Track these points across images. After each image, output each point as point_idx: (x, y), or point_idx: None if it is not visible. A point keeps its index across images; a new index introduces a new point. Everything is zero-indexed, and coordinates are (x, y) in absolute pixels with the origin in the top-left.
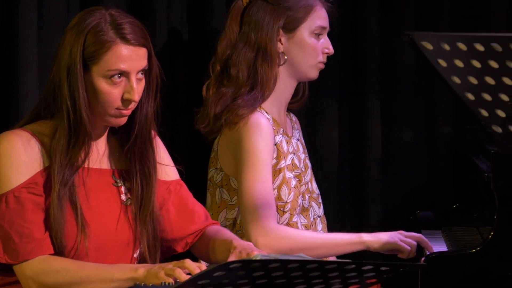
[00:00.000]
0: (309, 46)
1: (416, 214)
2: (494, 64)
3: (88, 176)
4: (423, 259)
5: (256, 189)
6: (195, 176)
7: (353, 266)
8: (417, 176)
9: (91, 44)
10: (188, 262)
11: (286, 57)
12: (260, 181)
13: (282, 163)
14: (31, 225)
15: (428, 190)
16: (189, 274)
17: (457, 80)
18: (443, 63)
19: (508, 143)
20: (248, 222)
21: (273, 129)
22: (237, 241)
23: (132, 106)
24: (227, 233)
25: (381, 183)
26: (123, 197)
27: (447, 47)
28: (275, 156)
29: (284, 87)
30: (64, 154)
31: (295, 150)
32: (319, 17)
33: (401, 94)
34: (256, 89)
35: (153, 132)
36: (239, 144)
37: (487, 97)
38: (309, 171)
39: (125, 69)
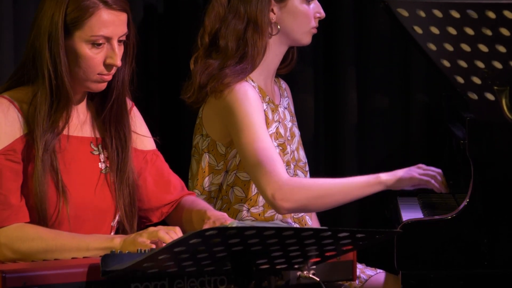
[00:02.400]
0: (302, 13)
1: None
2: (469, 31)
3: (68, 144)
4: (399, 226)
5: (256, 147)
6: (170, 145)
7: (329, 233)
8: (392, 143)
9: (73, 10)
10: (178, 229)
11: (279, 27)
12: (258, 139)
13: (269, 131)
14: (7, 192)
15: (404, 157)
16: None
17: (432, 47)
18: (418, 30)
19: (483, 110)
20: (259, 179)
21: (260, 96)
22: (211, 211)
23: (114, 71)
24: (202, 203)
25: (356, 150)
26: (101, 165)
27: (422, 14)
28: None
29: (273, 56)
30: (46, 120)
31: (281, 119)
32: None
33: (377, 61)
34: (246, 60)
35: (130, 102)
36: (229, 112)
37: (463, 64)
38: (296, 139)
39: (108, 35)
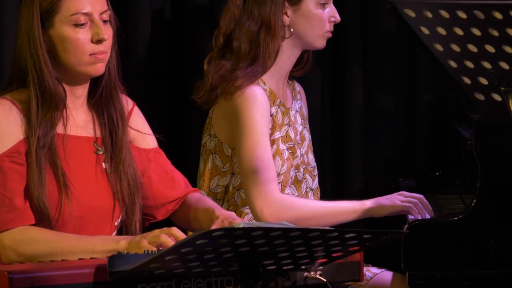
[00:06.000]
0: (316, 17)
1: (399, 182)
2: (476, 32)
3: (67, 143)
4: (406, 226)
5: (254, 155)
6: (177, 144)
7: (336, 234)
8: (398, 144)
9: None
10: (175, 229)
11: (292, 30)
12: (258, 147)
13: (277, 134)
14: (12, 194)
15: (410, 157)
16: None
17: (439, 47)
18: (425, 30)
19: (490, 111)
20: (251, 188)
21: (269, 100)
22: (219, 210)
23: (105, 48)
24: (209, 202)
25: (363, 150)
26: (105, 165)
27: (429, 14)
28: (270, 126)
29: (286, 58)
30: (35, 116)
31: (291, 122)
32: None
33: (383, 61)
34: (257, 62)
35: (131, 102)
36: (236, 115)
37: (470, 64)
38: (306, 143)
39: (87, 11)
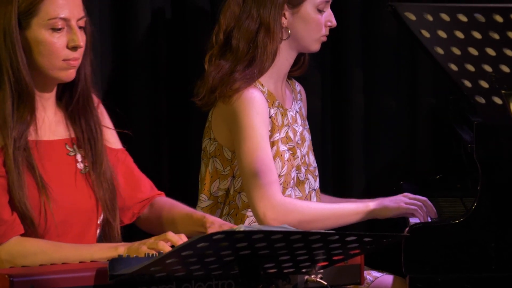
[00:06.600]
0: (314, 21)
1: (400, 185)
2: (477, 35)
3: (40, 148)
4: (406, 229)
5: (255, 158)
6: (177, 147)
7: (337, 237)
8: (399, 147)
9: (24, 0)
10: (170, 234)
11: (289, 32)
12: (258, 150)
13: (276, 136)
14: None
15: (411, 160)
16: (172, 246)
17: (440, 50)
18: (426, 33)
19: (491, 114)
20: (253, 191)
21: (268, 101)
22: (209, 216)
23: (79, 55)
24: (186, 207)
25: (363, 153)
26: (80, 165)
27: (430, 17)
28: (269, 129)
29: (284, 60)
30: (10, 117)
31: (290, 123)
32: None
33: (383, 64)
34: (255, 64)
35: (96, 99)
36: (234, 118)
37: (471, 67)
38: (307, 143)
39: (65, 16)
